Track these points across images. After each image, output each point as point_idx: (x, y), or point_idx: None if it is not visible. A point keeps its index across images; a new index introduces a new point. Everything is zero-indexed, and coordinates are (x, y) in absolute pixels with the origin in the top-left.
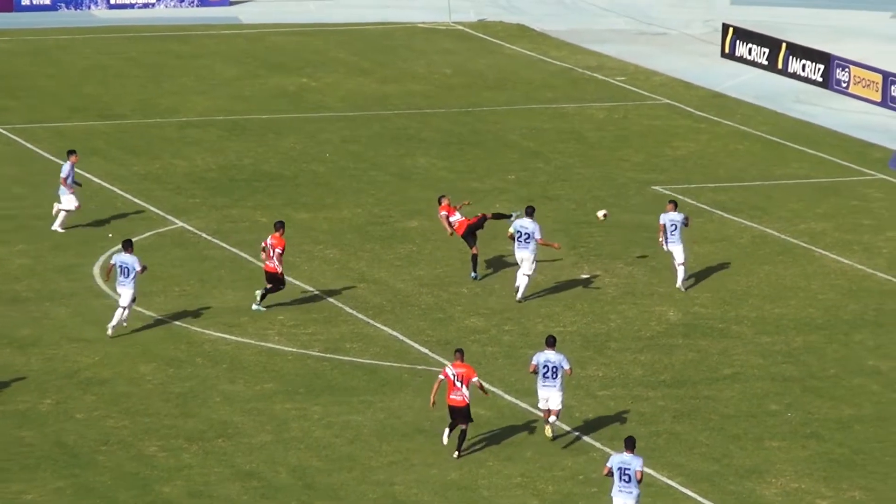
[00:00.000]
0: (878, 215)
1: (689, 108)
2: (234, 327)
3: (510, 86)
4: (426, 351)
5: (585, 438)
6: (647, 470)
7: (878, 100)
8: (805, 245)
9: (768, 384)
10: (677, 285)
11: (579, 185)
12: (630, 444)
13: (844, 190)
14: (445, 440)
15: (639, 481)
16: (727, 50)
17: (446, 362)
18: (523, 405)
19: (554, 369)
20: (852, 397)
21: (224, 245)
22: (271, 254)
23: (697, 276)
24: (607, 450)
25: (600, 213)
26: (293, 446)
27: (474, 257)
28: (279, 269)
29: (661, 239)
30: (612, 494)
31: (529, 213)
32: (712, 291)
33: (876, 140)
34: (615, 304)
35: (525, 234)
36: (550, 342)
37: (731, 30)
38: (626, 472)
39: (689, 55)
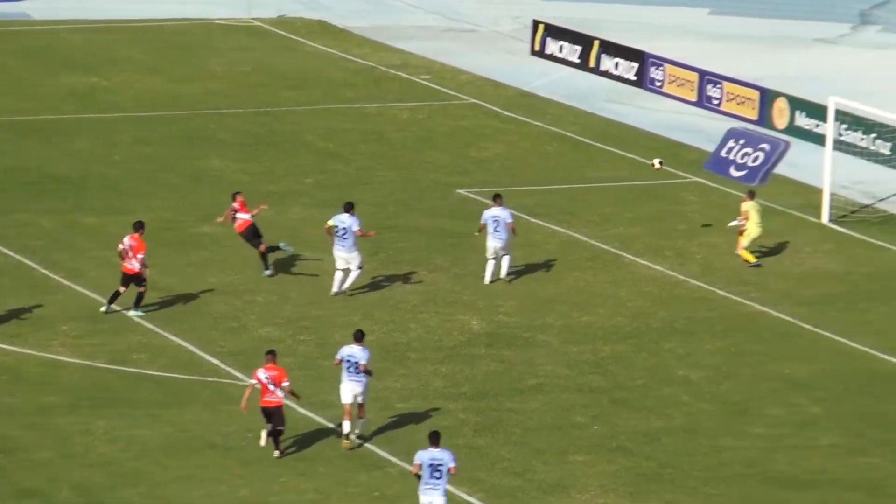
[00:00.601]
0: (691, 220)
1: (496, 108)
2: (14, 338)
3: (310, 85)
4: (217, 362)
5: (382, 453)
6: (447, 487)
7: (694, 99)
8: (615, 251)
9: (574, 395)
10: (502, 276)
11: (380, 188)
12: (436, 439)
13: (657, 193)
14: (263, 442)
15: (451, 475)
16: (537, 47)
17: (239, 374)
18: (318, 418)
19: (356, 364)
20: (661, 408)
21: (7, 251)
22: (130, 256)
23: (503, 283)
24: (404, 465)
25: (656, 162)
26: (76, 462)
27: (262, 255)
28: (142, 272)
29: (476, 232)
30: (420, 492)
31: (348, 208)
32: (518, 299)
33: (690, 141)
34: (416, 313)
35: (342, 228)
36: (358, 336)
37: (541, 27)
38: (439, 467)
39: (497, 53)
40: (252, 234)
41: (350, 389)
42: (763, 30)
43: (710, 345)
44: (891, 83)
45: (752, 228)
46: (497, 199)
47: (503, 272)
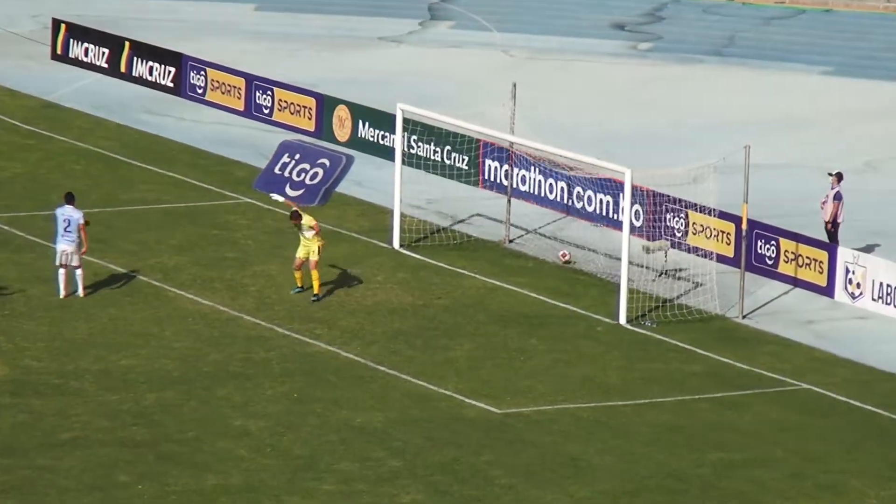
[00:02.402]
0: (243, 247)
1: (14, 122)
2: None
3: None
4: None
5: None
6: None
7: (242, 108)
8: (157, 283)
9: (116, 451)
10: (78, 291)
11: None
12: None
13: (203, 217)
14: None
15: None
16: (60, 50)
17: None
18: None
19: None
20: (217, 464)
21: None
22: None
23: (26, 325)
24: None
25: (567, 254)
26: None
27: None
28: None
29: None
30: None
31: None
32: (47, 340)
33: (239, 156)
34: None
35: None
36: None
37: (63, 26)
38: None
39: (13, 57)
40: None
41: None
42: (319, 28)
43: (271, 390)
44: (466, 87)
45: (299, 248)
46: (71, 198)
47: (79, 287)
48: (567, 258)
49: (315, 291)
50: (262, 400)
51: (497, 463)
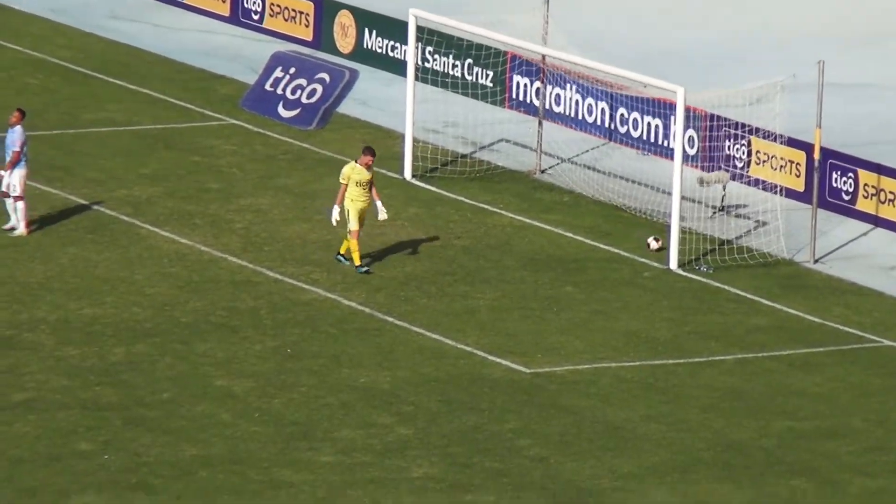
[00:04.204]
0: (228, 176)
1: None
2: None
3: None
4: None
5: None
6: None
7: (227, 13)
8: (126, 219)
9: (77, 414)
10: (19, 228)
11: None
12: None
13: (181, 140)
14: None
15: None
16: None
17: None
18: None
19: None
20: (196, 431)
21: None
22: None
23: None
24: None
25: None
26: None
27: None
28: None
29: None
30: None
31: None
32: None
33: (224, 70)
34: None
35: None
36: None
37: None
38: None
39: None
40: None
41: None
42: None
43: (260, 345)
44: None
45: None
46: (23, 113)
47: (18, 221)
48: (660, 244)
49: (357, 262)
50: (250, 356)
51: (525, 431)
